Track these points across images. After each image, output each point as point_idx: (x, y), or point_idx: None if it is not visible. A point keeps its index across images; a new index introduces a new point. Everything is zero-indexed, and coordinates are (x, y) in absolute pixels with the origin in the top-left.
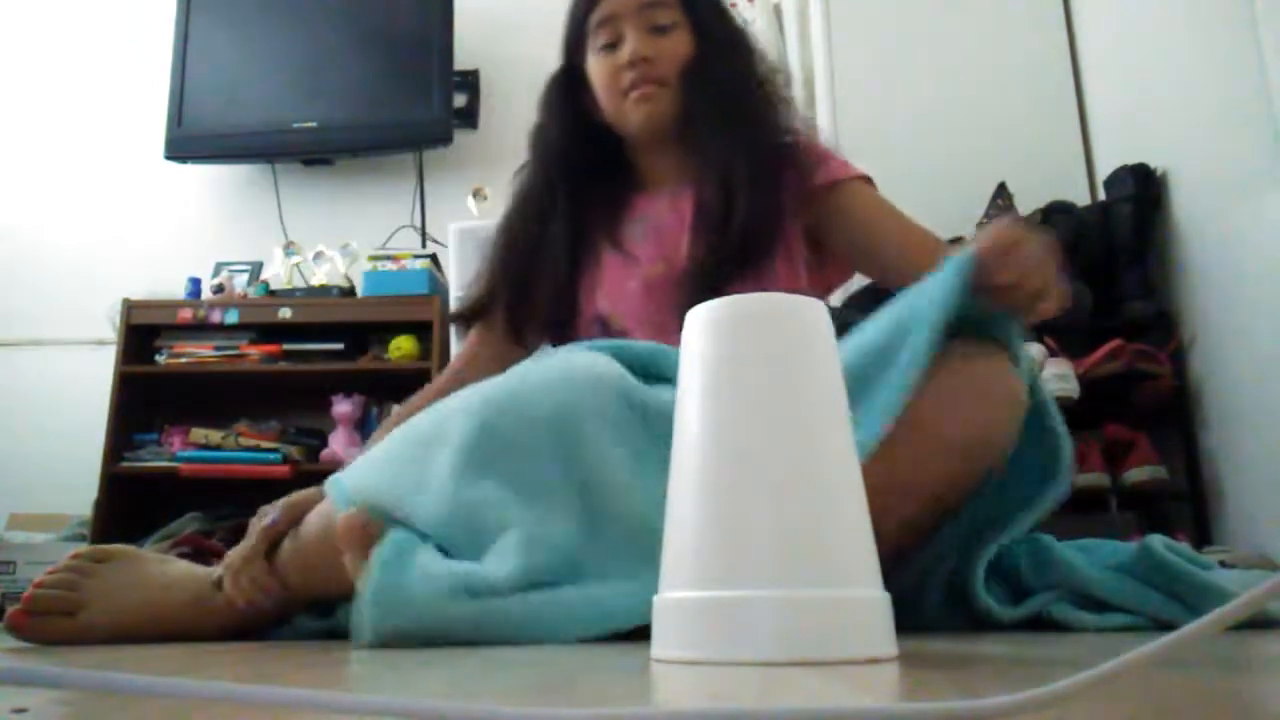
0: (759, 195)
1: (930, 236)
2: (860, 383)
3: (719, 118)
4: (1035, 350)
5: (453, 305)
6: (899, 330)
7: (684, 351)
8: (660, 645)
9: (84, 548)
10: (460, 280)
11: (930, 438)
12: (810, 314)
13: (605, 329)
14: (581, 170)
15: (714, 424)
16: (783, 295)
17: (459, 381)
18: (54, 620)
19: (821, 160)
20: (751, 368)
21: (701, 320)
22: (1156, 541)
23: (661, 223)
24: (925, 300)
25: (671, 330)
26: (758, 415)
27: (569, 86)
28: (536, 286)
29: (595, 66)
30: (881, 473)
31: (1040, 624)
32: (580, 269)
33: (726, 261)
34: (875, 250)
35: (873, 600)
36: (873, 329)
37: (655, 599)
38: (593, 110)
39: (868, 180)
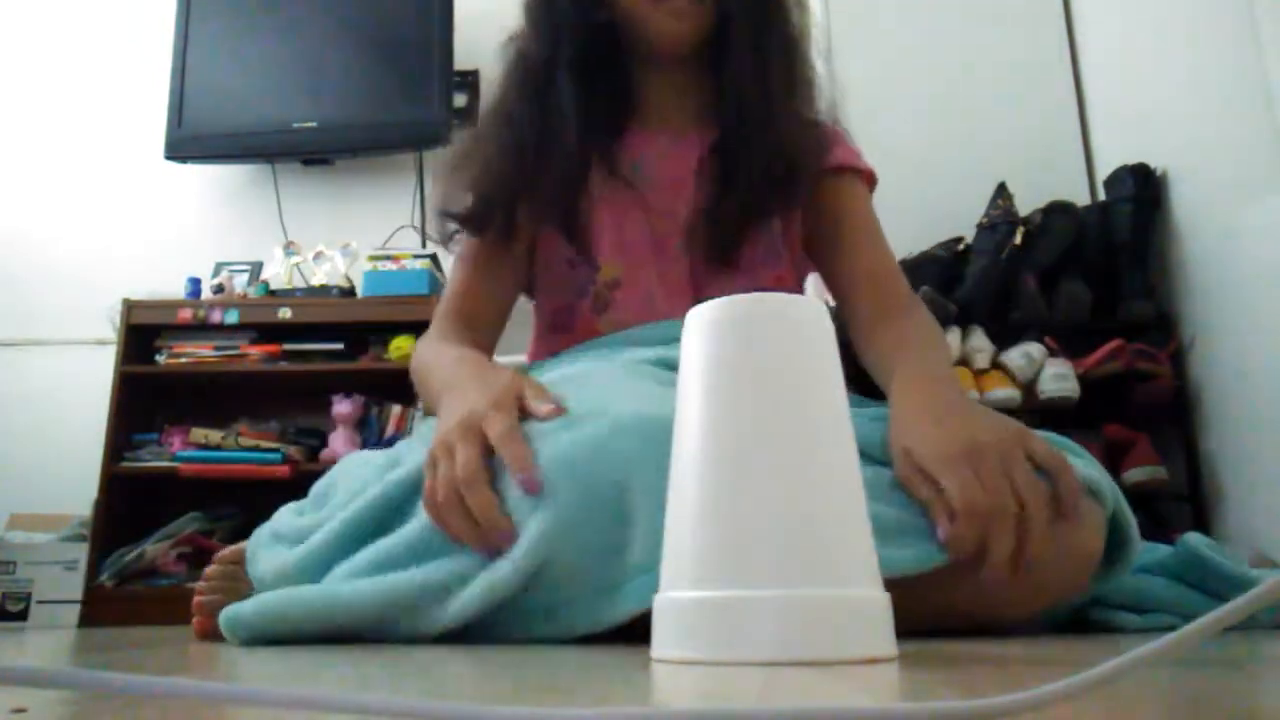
0: (788, 134)
1: (893, 270)
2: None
3: (753, 49)
4: (1035, 350)
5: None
6: None
7: (684, 352)
8: (660, 645)
9: (225, 550)
10: None
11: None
12: (811, 315)
13: (587, 272)
14: (586, 58)
15: (714, 424)
16: (784, 295)
17: (479, 338)
18: None
19: (835, 141)
20: (752, 368)
21: (702, 320)
22: (1196, 540)
23: (658, 168)
24: None
25: (670, 286)
26: (758, 416)
27: None
28: (541, 173)
29: None
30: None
31: (1057, 625)
32: (587, 162)
33: (741, 207)
34: (840, 255)
35: (873, 600)
36: None
37: (655, 598)
38: (598, 5)
39: (871, 180)
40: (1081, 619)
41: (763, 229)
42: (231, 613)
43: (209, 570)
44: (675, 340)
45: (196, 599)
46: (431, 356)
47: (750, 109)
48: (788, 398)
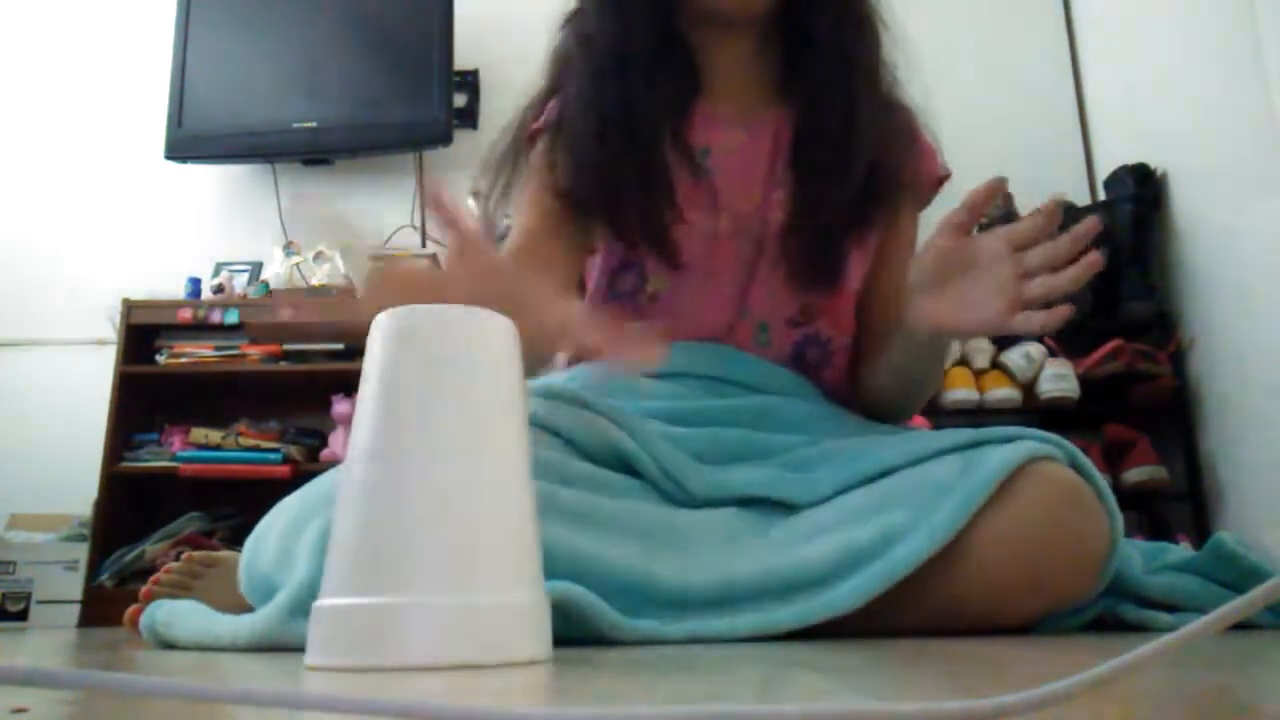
0: (870, 118)
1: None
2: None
3: (829, 17)
4: (1035, 350)
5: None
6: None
7: (365, 359)
8: (312, 653)
9: (196, 554)
10: None
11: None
12: (492, 327)
13: (633, 278)
14: (653, 34)
15: (380, 431)
16: (463, 308)
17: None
18: None
19: (916, 133)
20: (422, 378)
21: (381, 328)
22: (1227, 538)
23: (727, 161)
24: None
25: (714, 296)
26: (422, 425)
27: None
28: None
29: None
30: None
31: (1081, 627)
32: (658, 159)
33: (843, 205)
34: (889, 274)
35: (520, 605)
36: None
37: (313, 605)
38: None
39: (943, 178)
40: (1115, 618)
41: (866, 231)
42: (148, 616)
43: (170, 565)
44: (700, 378)
45: (146, 589)
46: None
47: (828, 85)
48: (454, 407)
